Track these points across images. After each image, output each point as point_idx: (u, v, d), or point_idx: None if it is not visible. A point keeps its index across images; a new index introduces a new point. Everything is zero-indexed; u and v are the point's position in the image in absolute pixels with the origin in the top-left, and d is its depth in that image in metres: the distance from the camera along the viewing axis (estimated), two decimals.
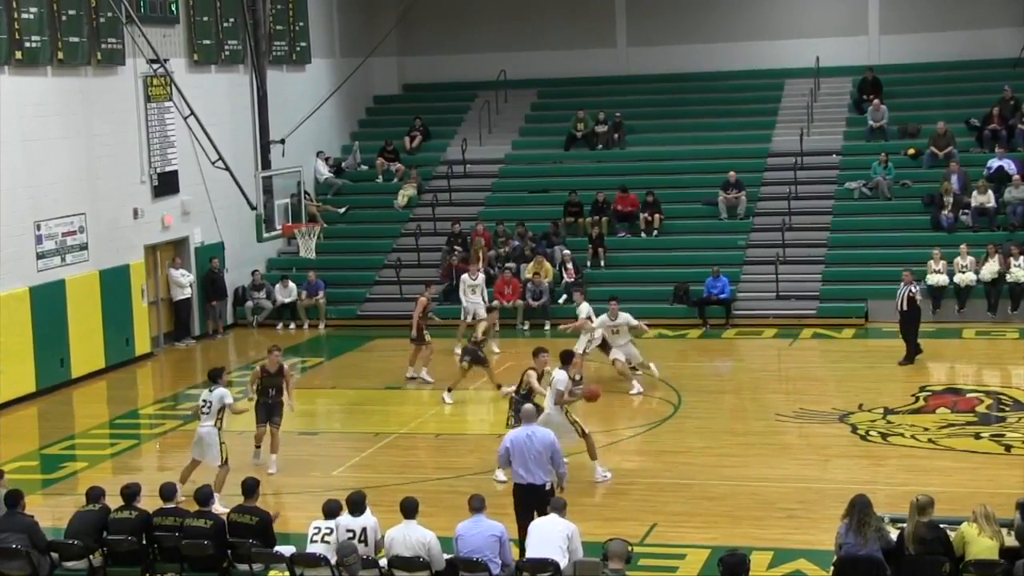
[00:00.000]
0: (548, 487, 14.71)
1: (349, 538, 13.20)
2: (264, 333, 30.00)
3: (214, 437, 17.57)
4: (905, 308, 24.51)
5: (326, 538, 13.17)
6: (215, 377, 18.01)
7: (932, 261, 28.23)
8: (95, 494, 14.19)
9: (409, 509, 13.14)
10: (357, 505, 13.53)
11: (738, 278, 29.77)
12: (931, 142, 31.89)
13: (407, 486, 17.12)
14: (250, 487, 14.03)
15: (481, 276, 27.36)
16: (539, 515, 13.71)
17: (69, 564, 13.67)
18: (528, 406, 15.58)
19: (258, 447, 19.34)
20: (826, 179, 32.35)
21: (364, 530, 13.29)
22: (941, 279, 28.04)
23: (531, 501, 14.54)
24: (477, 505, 13.13)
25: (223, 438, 17.67)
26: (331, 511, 13.40)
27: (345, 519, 13.42)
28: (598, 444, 19.17)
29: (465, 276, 27.46)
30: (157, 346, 28.34)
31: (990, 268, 27.86)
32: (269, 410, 19.15)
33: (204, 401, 17.81)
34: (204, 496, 13.91)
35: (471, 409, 22.78)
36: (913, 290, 24.63)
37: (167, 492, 14.21)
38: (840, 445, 19.62)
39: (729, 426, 20.71)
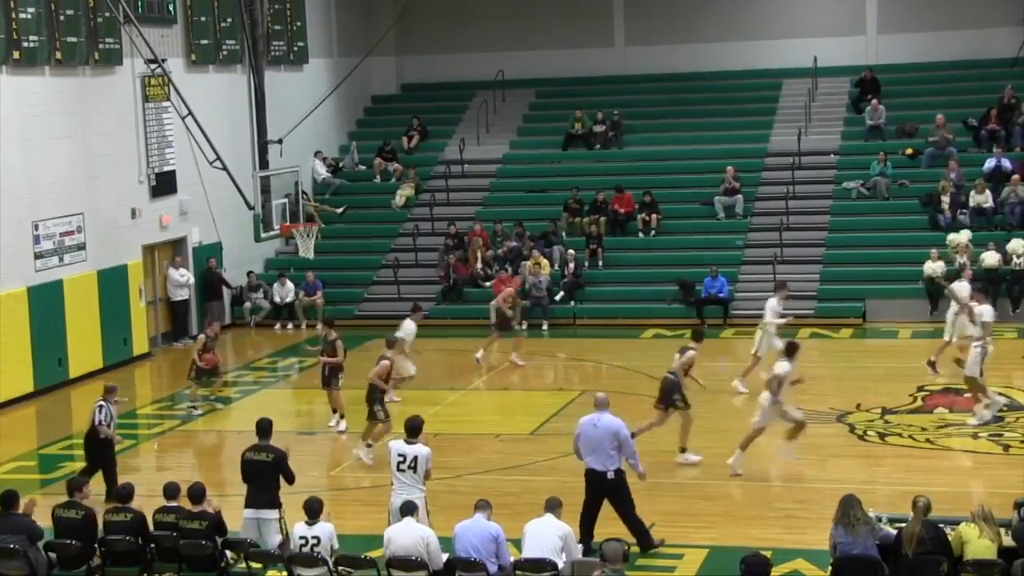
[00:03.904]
0: (611, 476, 14.95)
1: (400, 462, 14.24)
2: (262, 333, 30.00)
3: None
4: None
5: (315, 550, 13.12)
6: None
7: (930, 261, 28.28)
8: (76, 484, 14.18)
9: (410, 508, 13.33)
10: (415, 430, 14.55)
11: (736, 278, 29.78)
12: (931, 133, 31.91)
13: None
14: (264, 427, 14.56)
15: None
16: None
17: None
18: (601, 394, 15.84)
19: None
20: (824, 179, 32.37)
21: (415, 458, 14.24)
22: (938, 266, 28.08)
23: (595, 487, 15.02)
24: (481, 506, 13.31)
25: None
26: (313, 511, 13.32)
27: (398, 444, 14.49)
28: None
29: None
30: (155, 346, 28.35)
31: (992, 257, 27.95)
32: None
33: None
34: (198, 493, 13.94)
35: (470, 410, 22.77)
36: None
37: (170, 491, 14.23)
38: (838, 445, 19.64)
39: (727, 426, 20.66)
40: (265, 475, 14.28)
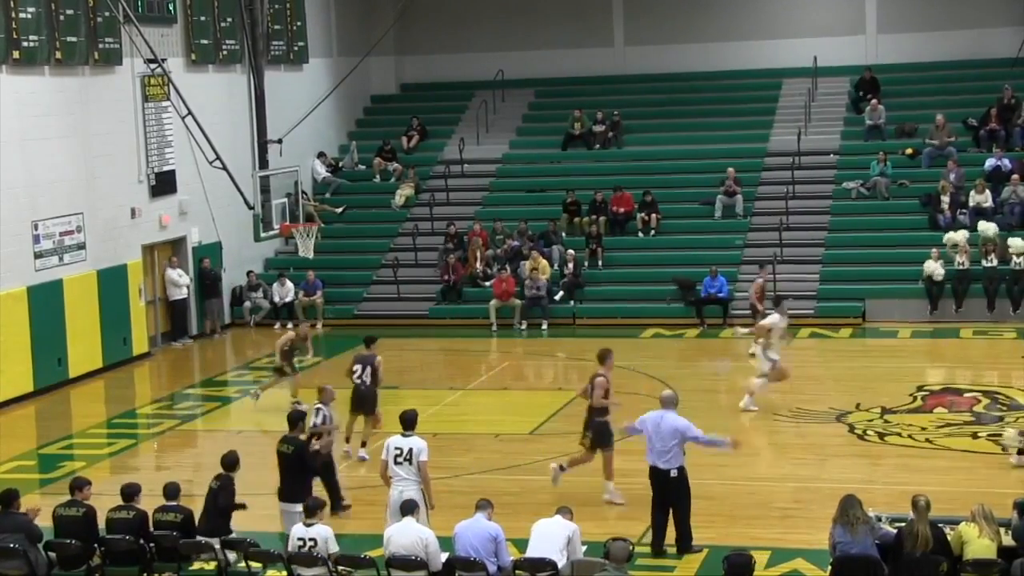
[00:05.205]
0: (675, 474, 15.06)
1: (397, 455, 14.32)
2: (262, 333, 29.98)
3: None
4: None
5: (312, 551, 13.12)
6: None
7: (930, 260, 28.28)
8: (77, 484, 14.19)
9: (410, 507, 13.39)
10: (409, 423, 14.65)
11: (735, 278, 29.76)
12: (931, 135, 31.91)
13: None
14: (293, 420, 15.03)
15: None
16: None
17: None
18: (669, 391, 15.85)
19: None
20: (823, 179, 32.35)
21: (411, 450, 14.37)
22: (938, 268, 28.06)
23: (658, 486, 15.16)
24: (482, 505, 13.34)
25: None
26: (311, 511, 13.39)
27: (395, 439, 14.53)
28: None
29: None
30: (154, 346, 28.34)
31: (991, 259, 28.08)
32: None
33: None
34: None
35: (470, 410, 22.77)
36: None
37: (170, 491, 14.25)
38: (837, 444, 19.63)
39: (726, 425, 20.66)
40: (290, 468, 14.67)
